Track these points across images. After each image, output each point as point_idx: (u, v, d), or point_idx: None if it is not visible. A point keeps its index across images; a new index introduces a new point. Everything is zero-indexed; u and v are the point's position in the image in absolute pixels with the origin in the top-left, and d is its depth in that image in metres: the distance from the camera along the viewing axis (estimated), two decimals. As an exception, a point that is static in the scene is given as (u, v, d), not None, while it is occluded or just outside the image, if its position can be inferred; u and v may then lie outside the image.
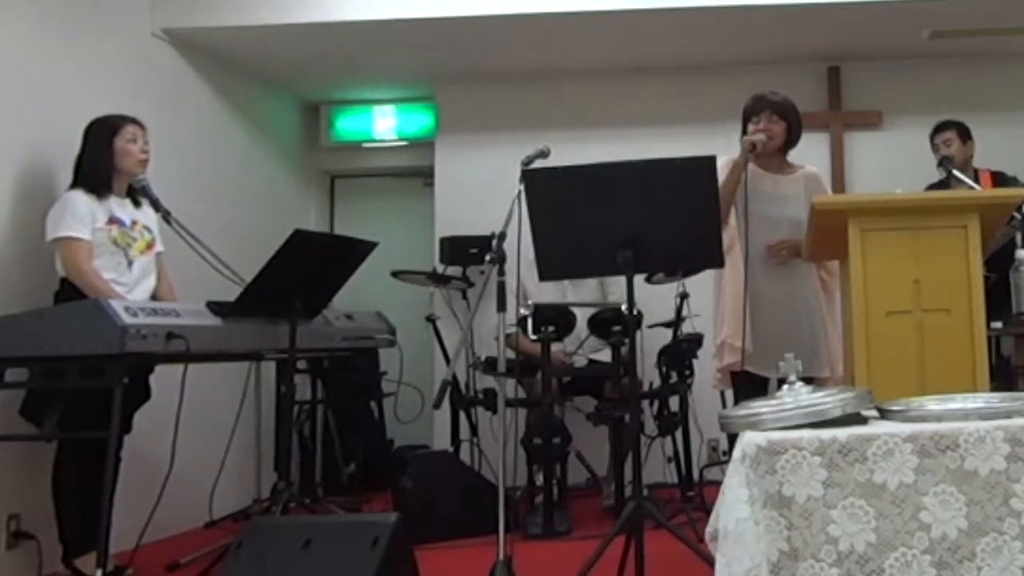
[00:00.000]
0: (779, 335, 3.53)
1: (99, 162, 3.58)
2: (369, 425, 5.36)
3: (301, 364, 4.51)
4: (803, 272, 3.70)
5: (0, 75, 3.64)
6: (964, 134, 4.57)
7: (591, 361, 4.76)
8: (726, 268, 3.63)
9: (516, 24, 4.78)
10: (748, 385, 3.56)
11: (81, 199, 3.50)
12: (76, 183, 3.56)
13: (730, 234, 3.67)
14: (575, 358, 4.73)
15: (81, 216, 3.47)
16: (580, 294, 4.78)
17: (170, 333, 3.10)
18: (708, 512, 2.05)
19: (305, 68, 5.43)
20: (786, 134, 3.74)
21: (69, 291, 3.43)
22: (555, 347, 4.42)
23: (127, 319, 3.00)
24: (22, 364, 3.22)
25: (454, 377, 4.48)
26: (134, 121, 3.66)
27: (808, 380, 3.19)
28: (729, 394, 3.95)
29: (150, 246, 3.72)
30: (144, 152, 3.66)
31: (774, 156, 3.74)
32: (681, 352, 4.58)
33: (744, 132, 3.73)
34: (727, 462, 1.99)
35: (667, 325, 4.67)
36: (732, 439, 3.67)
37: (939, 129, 4.62)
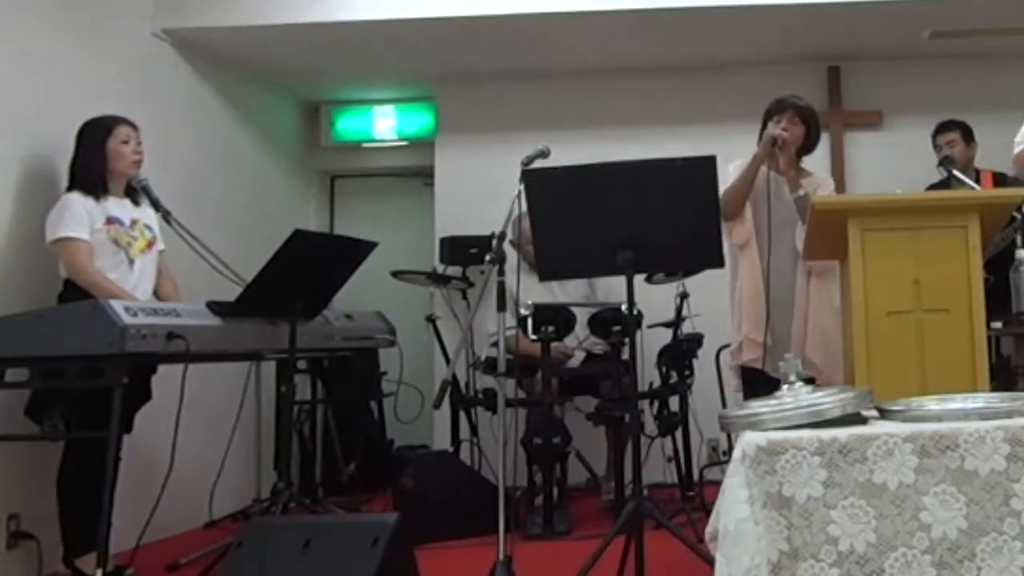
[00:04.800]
0: (790, 336, 3.53)
1: (93, 164, 3.58)
2: (369, 425, 5.36)
3: (301, 364, 4.51)
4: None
5: (0, 75, 3.64)
6: (967, 135, 4.56)
7: (589, 354, 4.76)
8: (742, 266, 3.64)
9: (516, 24, 4.78)
10: (759, 385, 3.56)
11: (78, 200, 3.50)
12: (72, 185, 3.56)
13: (746, 231, 3.68)
14: (575, 351, 4.73)
15: (78, 217, 3.47)
16: (569, 292, 4.77)
17: (170, 333, 3.11)
18: (708, 512, 2.05)
19: (305, 68, 5.43)
20: (804, 138, 3.74)
21: (73, 292, 3.43)
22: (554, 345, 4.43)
23: (127, 319, 3.00)
24: (22, 364, 3.22)
25: (454, 377, 4.48)
26: (126, 122, 3.65)
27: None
28: (729, 394, 3.95)
29: (151, 244, 3.72)
30: (137, 153, 3.65)
31: (789, 160, 3.73)
32: (681, 352, 4.58)
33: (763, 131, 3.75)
34: (727, 462, 1.99)
35: (667, 325, 4.67)
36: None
37: (942, 129, 4.60)
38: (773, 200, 3.70)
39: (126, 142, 3.62)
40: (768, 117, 3.78)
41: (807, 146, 3.81)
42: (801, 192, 3.66)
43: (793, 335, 3.65)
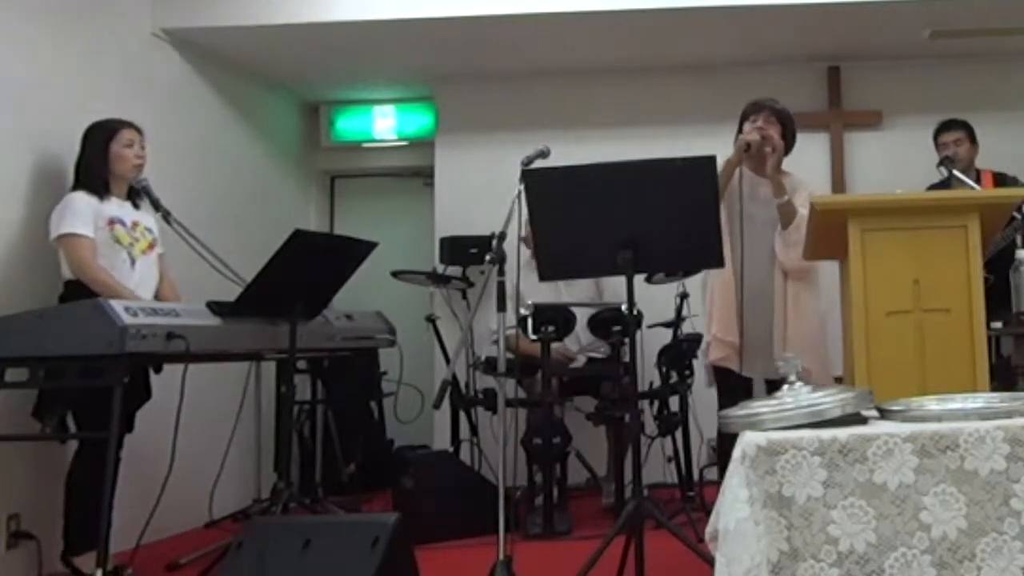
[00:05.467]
0: (762, 337, 3.52)
1: (95, 165, 3.60)
2: (369, 425, 5.36)
3: (301, 364, 4.51)
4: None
5: (0, 75, 3.64)
6: (972, 135, 4.53)
7: (590, 359, 4.76)
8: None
9: (516, 24, 4.78)
10: (732, 385, 3.56)
11: (82, 199, 3.53)
12: (76, 185, 3.59)
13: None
14: (577, 355, 4.73)
15: (82, 214, 3.48)
16: (575, 293, 4.77)
17: (170, 333, 3.11)
18: (708, 512, 2.05)
19: (305, 68, 5.43)
20: (780, 138, 3.74)
21: (74, 292, 3.43)
22: (555, 346, 4.42)
23: (127, 319, 3.01)
24: (22, 364, 3.22)
25: (454, 377, 4.48)
26: (131, 126, 3.68)
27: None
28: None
29: (152, 246, 3.73)
30: (139, 157, 3.67)
31: (764, 160, 3.73)
32: (681, 352, 4.58)
33: (740, 134, 3.75)
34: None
35: (667, 325, 4.67)
36: (721, 439, 3.68)
37: (947, 127, 4.53)
38: (747, 201, 3.69)
39: (129, 146, 3.65)
40: (744, 119, 3.78)
41: (784, 147, 3.80)
42: (785, 198, 3.65)
43: (775, 339, 3.63)
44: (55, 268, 3.53)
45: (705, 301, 3.84)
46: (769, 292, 3.66)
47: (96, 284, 3.40)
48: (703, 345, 3.77)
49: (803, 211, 3.60)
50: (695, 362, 4.62)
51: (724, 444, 3.71)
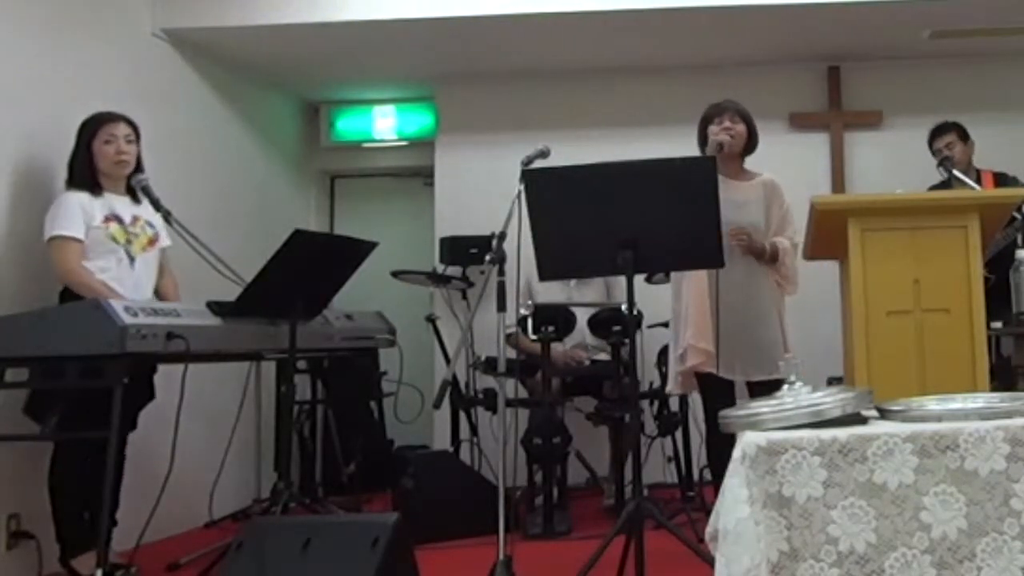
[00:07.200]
0: (739, 338, 3.50)
1: (81, 162, 3.55)
2: (369, 425, 5.36)
3: (301, 364, 4.51)
4: (759, 275, 3.65)
5: None
6: (963, 135, 4.54)
7: (593, 361, 4.77)
8: (685, 272, 3.60)
9: (516, 24, 4.78)
10: (715, 388, 3.54)
11: (74, 198, 3.48)
12: (70, 182, 3.54)
13: None
14: (583, 354, 4.73)
15: (72, 215, 3.44)
16: (586, 295, 4.77)
17: (170, 333, 3.10)
18: (708, 512, 2.05)
19: (305, 68, 5.43)
20: (746, 137, 3.73)
21: (73, 292, 3.40)
22: (560, 347, 4.42)
23: (127, 319, 3.00)
24: (22, 364, 3.22)
25: (454, 377, 4.48)
26: (115, 120, 3.58)
27: (771, 383, 3.20)
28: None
29: (152, 242, 3.70)
30: (121, 153, 3.56)
31: (733, 161, 3.71)
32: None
33: (702, 137, 3.74)
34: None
35: (667, 325, 4.66)
36: (710, 441, 3.66)
37: (938, 132, 4.55)
38: (722, 206, 3.65)
39: (109, 142, 3.55)
40: (707, 122, 3.75)
41: (748, 146, 3.79)
42: (765, 257, 3.62)
43: (768, 342, 3.59)
44: (48, 265, 3.51)
45: (680, 307, 3.76)
46: (751, 296, 3.62)
47: (80, 288, 3.36)
48: (678, 352, 3.69)
49: (784, 243, 3.60)
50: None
51: (711, 444, 3.69)
